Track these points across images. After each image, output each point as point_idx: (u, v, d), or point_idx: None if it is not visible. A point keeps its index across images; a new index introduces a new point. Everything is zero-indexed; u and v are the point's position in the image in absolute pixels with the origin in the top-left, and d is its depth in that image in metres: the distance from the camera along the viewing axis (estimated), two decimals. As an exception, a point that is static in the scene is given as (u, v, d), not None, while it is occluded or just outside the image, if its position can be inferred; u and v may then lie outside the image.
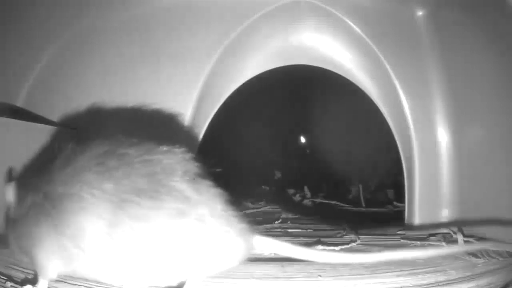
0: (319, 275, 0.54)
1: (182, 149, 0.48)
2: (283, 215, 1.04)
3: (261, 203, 1.24)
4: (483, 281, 0.51)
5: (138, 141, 0.48)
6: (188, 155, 0.48)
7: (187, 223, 0.43)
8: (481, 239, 0.69)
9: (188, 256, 0.44)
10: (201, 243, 0.44)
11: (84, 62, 0.83)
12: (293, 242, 0.53)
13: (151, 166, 0.45)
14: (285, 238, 0.79)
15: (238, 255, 0.48)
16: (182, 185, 0.44)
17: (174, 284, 0.47)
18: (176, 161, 0.46)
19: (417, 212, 0.81)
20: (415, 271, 0.56)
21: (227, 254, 0.47)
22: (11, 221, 0.48)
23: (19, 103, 0.82)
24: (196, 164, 0.48)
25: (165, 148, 0.47)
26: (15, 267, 0.54)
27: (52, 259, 0.45)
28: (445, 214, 0.80)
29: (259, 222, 0.95)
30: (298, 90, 1.40)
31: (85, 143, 0.48)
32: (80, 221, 0.42)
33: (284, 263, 0.59)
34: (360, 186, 1.31)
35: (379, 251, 0.50)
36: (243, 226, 0.48)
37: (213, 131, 0.85)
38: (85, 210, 0.42)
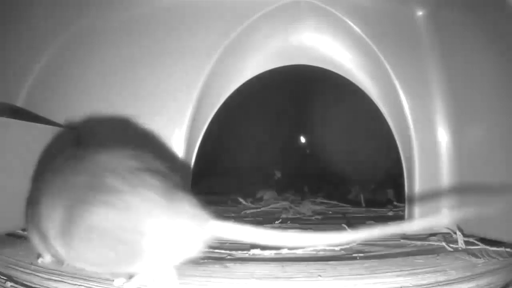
0: (319, 275, 0.54)
1: (127, 149, 0.51)
2: (283, 215, 1.04)
3: (261, 203, 1.24)
4: (483, 281, 0.51)
5: (97, 145, 0.53)
6: (130, 153, 0.50)
7: (112, 212, 0.44)
8: (481, 239, 0.70)
9: (127, 244, 0.44)
10: (139, 230, 0.44)
11: (84, 62, 0.83)
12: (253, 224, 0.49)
13: (93, 165, 0.48)
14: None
15: (192, 241, 0.47)
16: (112, 180, 0.46)
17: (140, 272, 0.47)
18: (115, 159, 0.49)
19: (417, 212, 0.81)
20: (415, 271, 0.56)
21: (176, 240, 0.46)
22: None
23: (19, 103, 0.82)
24: (138, 160, 0.49)
25: (110, 148, 0.51)
26: (15, 267, 0.54)
27: (36, 240, 0.52)
28: (445, 214, 0.80)
29: (259, 222, 0.95)
30: (298, 90, 1.41)
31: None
32: (39, 213, 0.48)
33: (284, 263, 0.59)
34: (360, 186, 1.31)
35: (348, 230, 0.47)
36: (195, 211, 0.47)
37: (213, 131, 0.85)
38: (43, 204, 0.48)
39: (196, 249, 0.48)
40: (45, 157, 0.64)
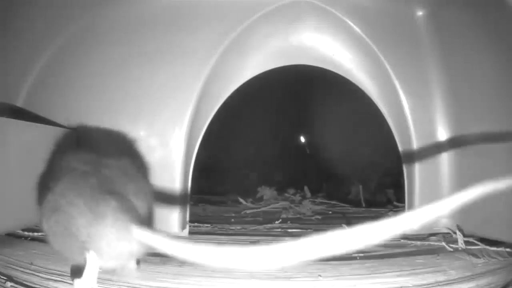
0: (319, 275, 0.54)
1: (78, 151, 0.55)
2: (283, 215, 1.04)
3: (261, 203, 1.24)
4: (483, 281, 0.51)
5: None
6: (77, 155, 0.53)
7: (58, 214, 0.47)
8: (481, 239, 0.70)
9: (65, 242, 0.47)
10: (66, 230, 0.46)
11: (84, 62, 0.83)
12: (172, 238, 0.43)
13: (56, 163, 0.54)
14: (285, 238, 0.79)
15: (114, 247, 0.46)
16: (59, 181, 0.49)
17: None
18: (68, 160, 0.53)
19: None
20: (415, 271, 0.56)
21: (97, 245, 0.45)
22: None
23: (19, 103, 0.82)
24: (87, 162, 0.51)
25: (82, 147, 0.56)
26: (15, 267, 0.54)
27: None
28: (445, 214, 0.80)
29: (259, 222, 0.95)
30: (298, 90, 1.41)
31: None
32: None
33: (284, 263, 0.59)
34: (360, 186, 1.31)
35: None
36: (119, 217, 0.46)
37: (213, 131, 0.85)
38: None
39: (124, 255, 0.47)
40: (52, 156, 0.64)
